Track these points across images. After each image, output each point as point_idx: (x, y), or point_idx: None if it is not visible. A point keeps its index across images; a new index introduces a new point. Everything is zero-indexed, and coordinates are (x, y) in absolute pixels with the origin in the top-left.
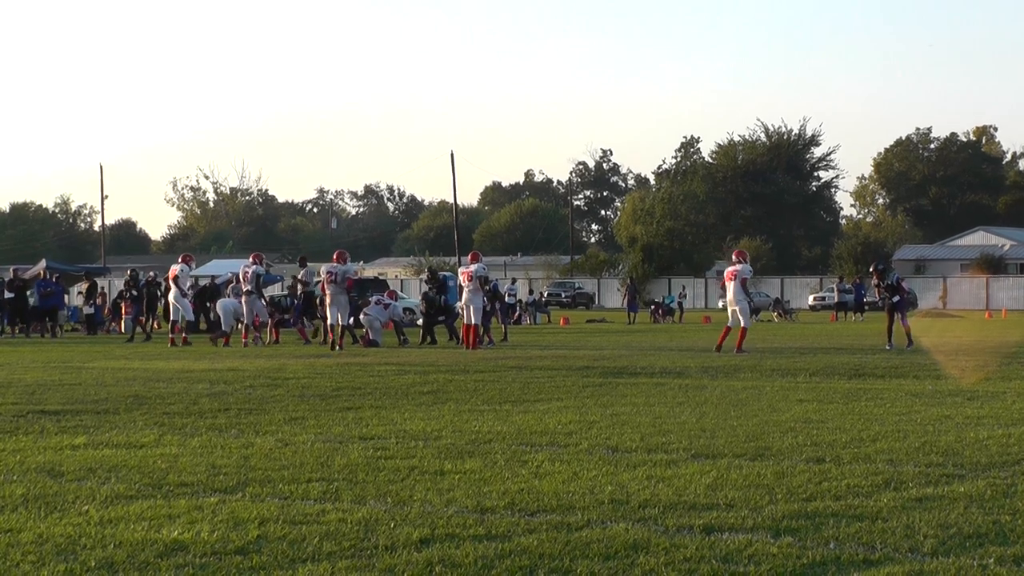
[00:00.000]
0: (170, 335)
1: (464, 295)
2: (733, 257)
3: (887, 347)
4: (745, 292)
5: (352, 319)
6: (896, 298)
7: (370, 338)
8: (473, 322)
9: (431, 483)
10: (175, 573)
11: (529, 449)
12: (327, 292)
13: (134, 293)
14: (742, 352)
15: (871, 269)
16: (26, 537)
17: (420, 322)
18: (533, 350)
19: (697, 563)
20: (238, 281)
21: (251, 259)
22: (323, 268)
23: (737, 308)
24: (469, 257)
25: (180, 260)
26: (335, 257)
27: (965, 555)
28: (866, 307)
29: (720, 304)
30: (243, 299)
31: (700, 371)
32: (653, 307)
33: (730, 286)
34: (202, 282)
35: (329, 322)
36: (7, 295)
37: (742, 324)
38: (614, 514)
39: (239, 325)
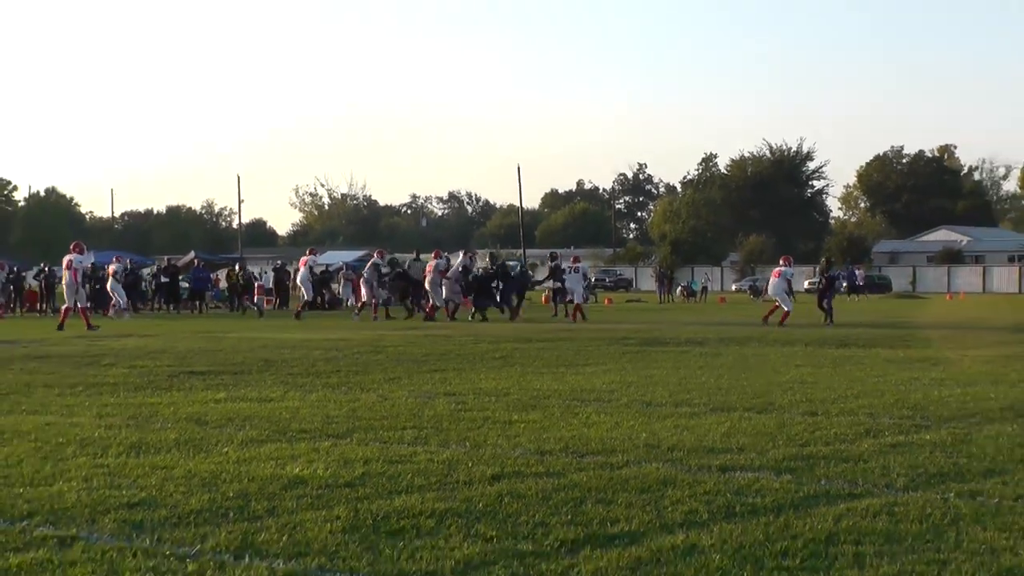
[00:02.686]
0: (297, 310)
1: (567, 282)
2: (780, 261)
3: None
4: (789, 287)
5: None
6: (821, 284)
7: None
8: (575, 301)
9: (501, 430)
10: (296, 502)
11: (580, 404)
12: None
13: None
14: (784, 327)
15: (823, 260)
16: (178, 472)
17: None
18: (583, 324)
19: (715, 495)
20: (347, 268)
21: (375, 255)
22: (431, 263)
23: (778, 298)
24: (571, 259)
25: (308, 252)
26: (434, 255)
27: (931, 490)
28: (862, 291)
29: (733, 287)
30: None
31: (717, 341)
32: (681, 289)
33: (774, 282)
34: (318, 269)
35: (432, 302)
36: (163, 279)
37: (786, 308)
38: (648, 456)
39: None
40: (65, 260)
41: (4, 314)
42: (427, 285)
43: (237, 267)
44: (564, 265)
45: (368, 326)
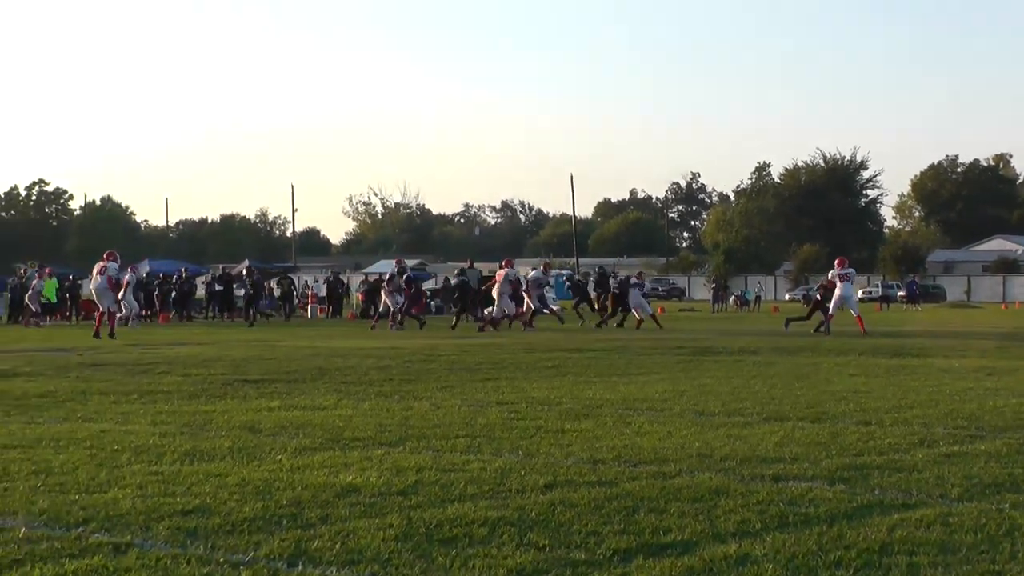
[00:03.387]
0: (388, 320)
1: (638, 297)
2: (841, 265)
3: (825, 333)
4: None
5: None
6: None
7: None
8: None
9: (554, 439)
10: (349, 510)
11: (632, 413)
12: (496, 288)
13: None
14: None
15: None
16: (232, 480)
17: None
18: (635, 333)
19: (767, 505)
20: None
21: (395, 263)
22: (501, 272)
23: (852, 307)
24: (636, 275)
25: (396, 263)
26: (504, 263)
27: (985, 501)
28: (920, 301)
29: (787, 296)
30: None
31: (770, 351)
32: (734, 298)
33: (848, 286)
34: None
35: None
36: (217, 288)
37: (856, 313)
38: (700, 465)
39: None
40: (98, 266)
41: (42, 323)
42: (495, 294)
43: (244, 272)
44: (632, 280)
45: (418, 334)
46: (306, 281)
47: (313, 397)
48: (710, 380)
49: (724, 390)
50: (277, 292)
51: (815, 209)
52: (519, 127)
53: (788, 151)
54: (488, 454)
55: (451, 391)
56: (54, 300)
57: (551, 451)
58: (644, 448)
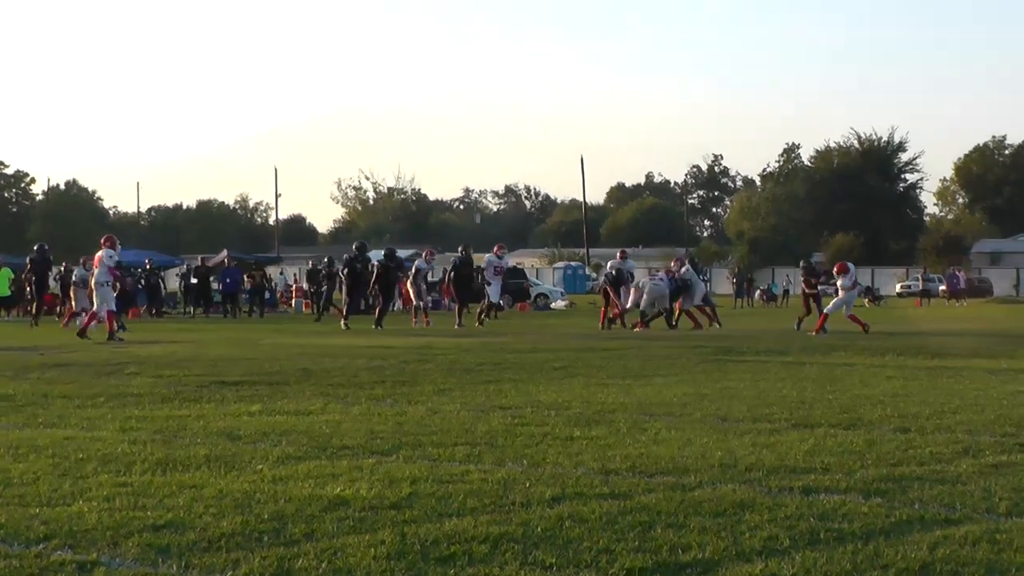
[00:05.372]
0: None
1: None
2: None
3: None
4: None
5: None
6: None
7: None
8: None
9: (562, 448)
10: (337, 525)
11: (648, 418)
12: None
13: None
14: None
15: (801, 265)
16: (208, 492)
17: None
18: (653, 331)
19: (797, 520)
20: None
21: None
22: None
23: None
24: (676, 261)
25: (425, 256)
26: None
27: None
28: (964, 296)
29: (818, 290)
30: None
31: (800, 350)
32: (760, 292)
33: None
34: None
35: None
36: (192, 281)
37: (832, 312)
38: (723, 476)
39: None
40: (97, 256)
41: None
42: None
43: (185, 267)
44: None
45: (413, 331)
46: (294, 274)
47: (298, 401)
48: (734, 383)
49: (749, 394)
50: (248, 285)
51: (849, 195)
52: (524, 105)
53: (819, 131)
54: (490, 464)
55: (449, 394)
56: (7, 293)
57: (559, 460)
58: (661, 457)
